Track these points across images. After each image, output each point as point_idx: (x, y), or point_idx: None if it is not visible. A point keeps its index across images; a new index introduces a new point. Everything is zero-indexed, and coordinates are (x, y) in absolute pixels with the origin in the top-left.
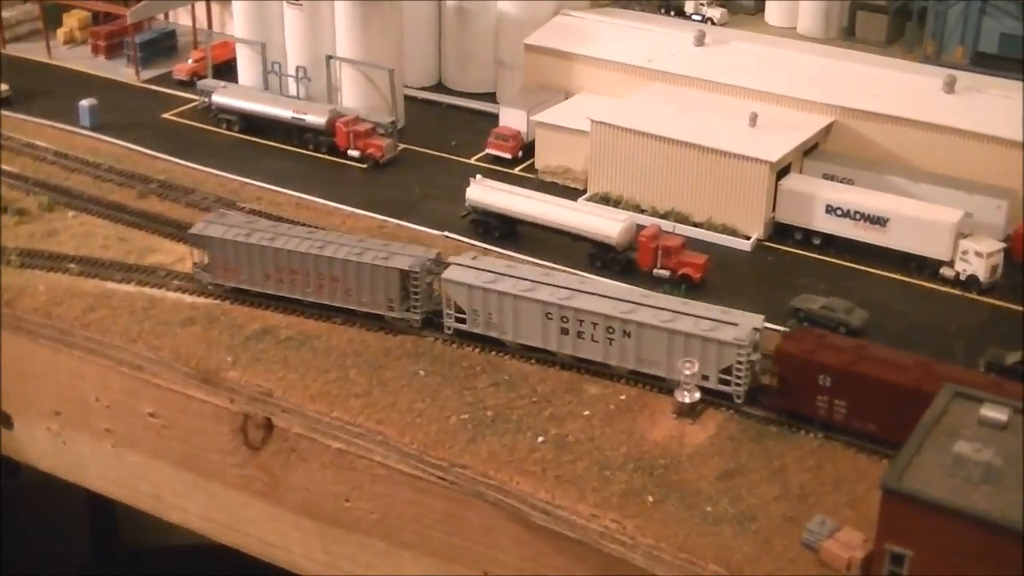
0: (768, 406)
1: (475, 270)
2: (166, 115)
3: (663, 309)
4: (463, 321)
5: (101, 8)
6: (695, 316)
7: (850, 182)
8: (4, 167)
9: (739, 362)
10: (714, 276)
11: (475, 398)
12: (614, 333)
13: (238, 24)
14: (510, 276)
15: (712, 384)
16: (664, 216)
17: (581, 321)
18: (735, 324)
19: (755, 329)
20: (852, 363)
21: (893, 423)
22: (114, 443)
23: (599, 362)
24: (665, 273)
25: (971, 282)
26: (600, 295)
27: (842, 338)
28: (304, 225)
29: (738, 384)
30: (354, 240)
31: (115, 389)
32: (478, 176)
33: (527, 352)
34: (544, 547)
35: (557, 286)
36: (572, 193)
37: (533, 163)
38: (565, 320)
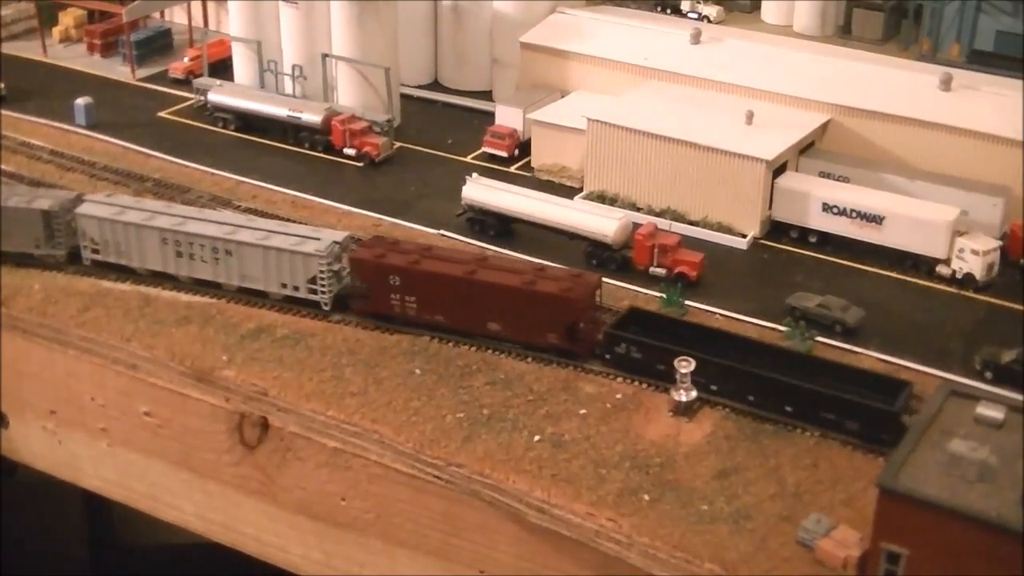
0: (356, 310)
1: (106, 205)
2: (162, 113)
3: (260, 230)
4: (98, 252)
5: (97, 6)
6: (287, 235)
7: (846, 180)
8: (0, 166)
9: (322, 272)
10: (710, 274)
11: (471, 397)
12: (219, 253)
13: (234, 22)
14: (135, 208)
15: (303, 295)
16: (660, 214)
17: (191, 244)
18: (319, 239)
19: (336, 242)
20: (415, 262)
21: (456, 313)
22: (110, 442)
23: (211, 281)
24: (661, 271)
25: (967, 280)
26: (208, 220)
27: (413, 244)
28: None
29: (324, 292)
30: (5, 190)
31: (110, 388)
32: (474, 174)
33: (155, 277)
34: (540, 546)
35: (173, 215)
36: (568, 191)
37: (529, 161)
38: (179, 244)
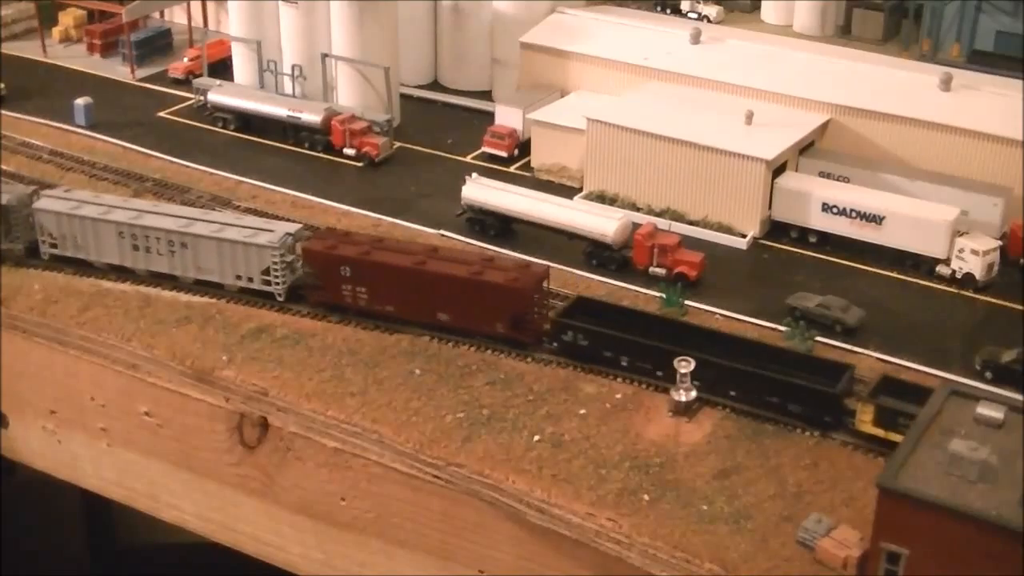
0: (310, 301)
1: (63, 200)
2: (161, 113)
3: (215, 222)
4: (56, 246)
5: (97, 6)
6: (241, 227)
7: (846, 180)
8: (0, 166)
9: (275, 263)
10: (710, 274)
11: (471, 397)
12: (175, 246)
13: (234, 22)
14: (92, 203)
15: (257, 286)
16: (660, 214)
17: (148, 237)
18: (272, 231)
19: (288, 234)
20: (366, 253)
21: (406, 303)
22: (109, 442)
23: (167, 274)
24: (661, 271)
25: (967, 280)
26: (163, 213)
27: (364, 236)
28: None
29: (277, 283)
30: None
31: (110, 388)
32: (474, 174)
33: (112, 271)
34: (540, 546)
35: (129, 208)
36: (568, 191)
37: (529, 161)
38: (135, 237)
